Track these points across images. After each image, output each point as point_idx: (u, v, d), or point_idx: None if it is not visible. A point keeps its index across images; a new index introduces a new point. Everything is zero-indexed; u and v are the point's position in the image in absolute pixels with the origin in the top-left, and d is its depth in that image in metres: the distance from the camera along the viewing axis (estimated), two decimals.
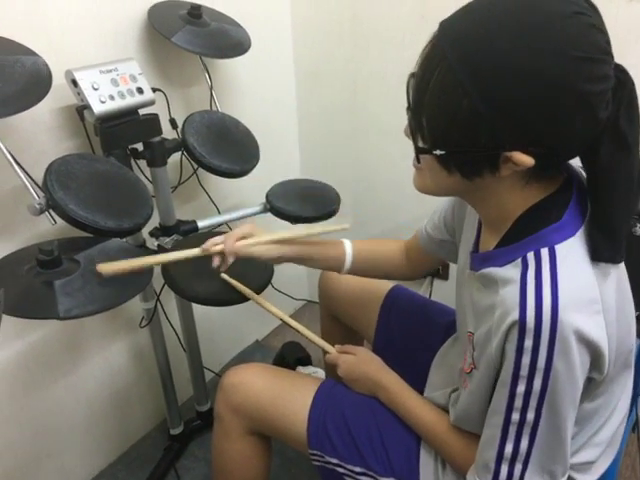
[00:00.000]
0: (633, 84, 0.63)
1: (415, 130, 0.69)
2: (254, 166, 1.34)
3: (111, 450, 1.56)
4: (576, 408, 0.68)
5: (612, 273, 0.69)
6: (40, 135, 1.15)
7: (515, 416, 0.67)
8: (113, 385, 1.49)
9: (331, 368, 1.43)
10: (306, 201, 1.40)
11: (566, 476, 0.72)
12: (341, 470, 0.95)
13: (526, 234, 0.69)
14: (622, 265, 0.74)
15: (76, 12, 1.14)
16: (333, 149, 1.83)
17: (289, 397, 1.00)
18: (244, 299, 1.10)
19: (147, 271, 0.97)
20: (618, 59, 0.63)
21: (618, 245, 0.68)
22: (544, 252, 0.66)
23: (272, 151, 1.44)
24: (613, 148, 0.64)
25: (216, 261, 0.99)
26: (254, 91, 1.63)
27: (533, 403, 0.66)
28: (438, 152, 0.66)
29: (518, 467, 0.69)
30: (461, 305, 0.89)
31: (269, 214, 1.40)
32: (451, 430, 0.86)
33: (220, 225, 1.39)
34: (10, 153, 0.97)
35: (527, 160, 0.62)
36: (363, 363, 1.00)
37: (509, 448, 0.69)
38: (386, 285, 1.25)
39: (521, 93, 0.59)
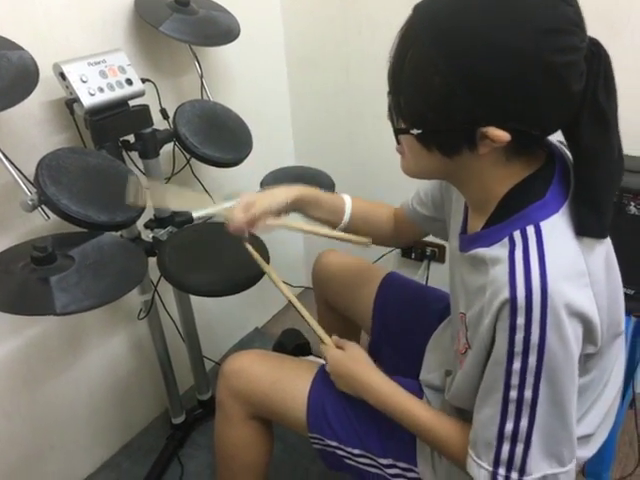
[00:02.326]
0: (608, 56, 0.64)
1: (394, 111, 0.70)
2: (247, 154, 1.33)
3: (114, 441, 1.57)
4: (576, 386, 0.68)
5: (598, 246, 0.70)
6: (30, 129, 1.14)
7: (513, 394, 0.67)
8: (114, 377, 1.50)
9: None
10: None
11: (574, 462, 0.71)
12: (340, 452, 0.96)
13: (511, 213, 0.70)
14: (608, 239, 0.74)
15: (62, 3, 1.13)
16: (327, 134, 1.82)
17: (288, 382, 1.01)
18: (240, 288, 1.09)
19: (142, 264, 0.97)
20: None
21: (604, 219, 0.68)
22: (530, 230, 0.67)
23: (266, 138, 1.43)
24: (592, 122, 0.65)
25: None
26: (245, 78, 1.61)
27: (530, 379, 0.66)
28: (415, 131, 0.67)
29: (520, 447, 0.69)
30: (454, 287, 0.89)
31: None
32: (444, 426, 0.84)
33: (213, 216, 1.39)
34: (6, 148, 0.96)
35: (503, 135, 0.62)
36: (350, 361, 0.96)
37: (509, 427, 0.69)
38: (381, 272, 1.26)
39: (489, 68, 0.60)
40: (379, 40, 1.55)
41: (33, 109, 1.13)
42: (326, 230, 1.07)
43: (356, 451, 0.95)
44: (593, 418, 0.81)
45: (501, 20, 0.59)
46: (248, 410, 1.04)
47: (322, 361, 1.68)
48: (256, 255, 1.09)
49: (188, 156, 1.35)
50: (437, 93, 0.63)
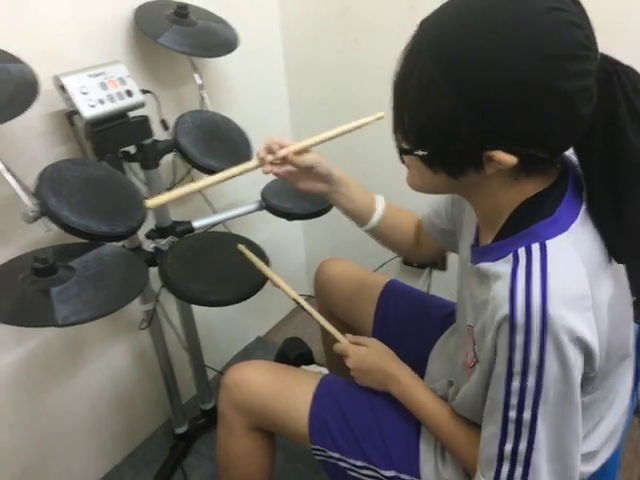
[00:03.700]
0: (629, 73, 0.62)
1: (398, 130, 0.69)
2: None
3: (117, 451, 1.57)
4: (577, 409, 0.66)
5: (607, 268, 0.69)
6: (31, 141, 1.15)
7: (512, 414, 0.67)
8: (116, 387, 1.50)
9: (335, 359, 1.44)
10: (301, 197, 1.40)
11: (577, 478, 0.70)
12: (343, 464, 0.96)
13: (519, 229, 0.69)
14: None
15: (61, 16, 1.14)
16: (327, 143, 1.82)
17: (290, 393, 1.01)
18: (243, 297, 1.09)
19: (143, 275, 0.97)
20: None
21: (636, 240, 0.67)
22: (535, 247, 0.66)
23: None
24: (607, 144, 0.64)
25: (275, 170, 0.95)
26: (244, 88, 1.62)
27: (529, 401, 0.65)
28: (420, 152, 0.66)
29: (519, 469, 0.68)
30: (462, 298, 0.89)
31: (265, 211, 1.39)
32: (459, 426, 0.85)
33: (216, 225, 1.39)
34: (1, 161, 0.97)
35: (509, 159, 0.62)
36: (375, 355, 0.98)
37: (509, 447, 0.68)
38: (382, 280, 1.25)
39: (496, 93, 0.59)
40: (376, 49, 1.56)
41: (34, 121, 1.14)
42: (338, 129, 1.03)
43: (359, 463, 0.94)
44: (598, 437, 0.81)
45: (509, 45, 0.58)
46: (250, 421, 1.04)
47: (325, 371, 1.69)
48: (255, 259, 1.09)
49: (189, 166, 1.35)
50: (442, 116, 0.62)
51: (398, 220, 1.11)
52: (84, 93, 1.09)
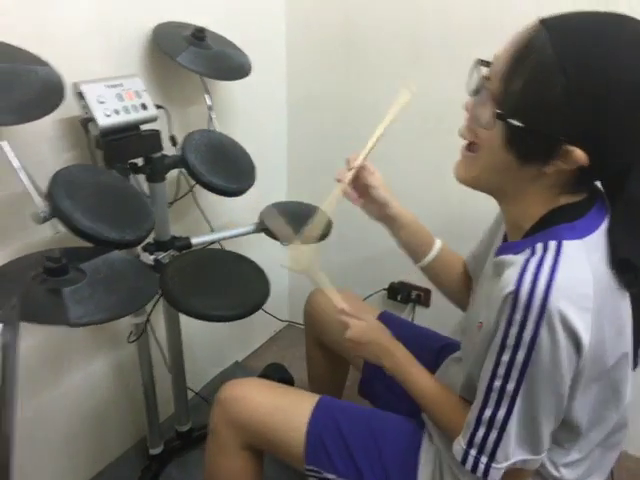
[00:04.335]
0: None
1: (497, 97, 0.71)
2: (250, 186, 1.36)
3: (87, 468, 1.52)
4: (556, 393, 0.71)
5: (614, 289, 0.73)
6: (41, 145, 1.15)
7: (497, 383, 0.72)
8: (93, 400, 1.46)
9: (318, 386, 1.45)
10: (298, 223, 1.42)
11: (545, 453, 0.76)
12: None
13: (543, 229, 0.75)
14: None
15: (84, 26, 1.16)
16: (321, 175, 1.86)
17: (287, 412, 1.01)
18: (243, 315, 1.10)
19: (152, 282, 0.98)
20: None
21: None
22: (552, 244, 0.72)
23: (261, 173, 1.47)
24: None
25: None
26: (248, 114, 1.66)
27: (514, 374, 0.70)
28: (515, 122, 0.70)
29: (494, 434, 0.74)
30: (472, 309, 0.93)
31: (262, 234, 1.42)
32: (448, 398, 0.91)
33: (213, 243, 1.40)
34: (20, 161, 0.97)
35: (582, 157, 0.67)
36: (373, 330, 1.03)
37: (487, 413, 0.74)
38: (374, 311, 1.28)
39: (620, 101, 0.65)
40: (379, 89, 1.62)
41: (45, 126, 1.14)
42: (381, 126, 1.09)
43: None
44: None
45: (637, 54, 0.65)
46: (242, 439, 1.03)
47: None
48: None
49: (192, 183, 1.37)
50: (553, 99, 0.66)
51: (449, 262, 1.14)
52: (101, 102, 1.11)
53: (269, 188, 1.83)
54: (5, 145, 0.95)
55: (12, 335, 0.67)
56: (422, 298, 1.79)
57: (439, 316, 1.57)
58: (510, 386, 0.71)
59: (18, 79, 0.93)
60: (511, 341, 0.70)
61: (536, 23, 0.70)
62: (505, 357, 0.71)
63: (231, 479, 1.05)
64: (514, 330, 0.69)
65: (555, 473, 0.83)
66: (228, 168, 1.34)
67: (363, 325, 1.03)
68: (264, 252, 1.61)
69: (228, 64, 1.35)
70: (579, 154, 0.67)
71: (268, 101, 1.76)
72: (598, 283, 0.70)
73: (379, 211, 1.07)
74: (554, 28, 0.68)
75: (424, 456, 0.95)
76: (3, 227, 1.12)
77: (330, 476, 0.96)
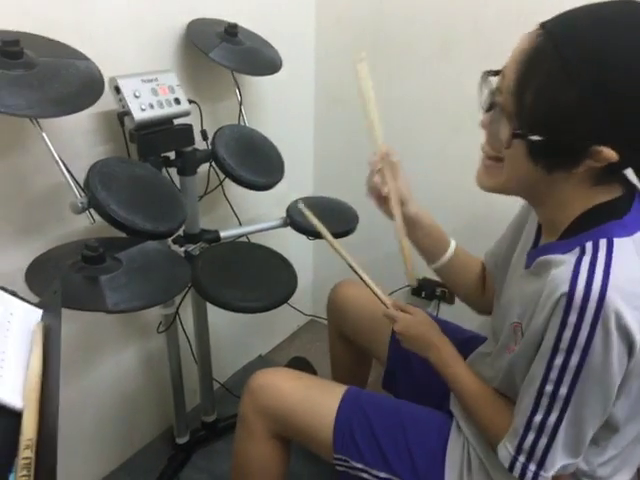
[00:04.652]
0: None
1: (513, 115, 0.71)
2: (279, 180, 1.38)
3: (115, 456, 1.55)
4: (607, 401, 0.70)
5: None
6: (77, 138, 1.18)
7: (549, 388, 0.71)
8: (122, 390, 1.50)
9: (341, 380, 1.46)
10: (326, 218, 1.43)
11: (582, 456, 0.75)
12: (366, 476, 0.97)
13: (587, 228, 0.73)
14: None
15: (120, 22, 1.18)
16: (348, 169, 1.87)
17: (316, 401, 1.03)
18: (272, 306, 1.12)
19: (186, 271, 1.00)
20: None
21: None
22: (602, 242, 0.70)
23: (288, 168, 1.49)
24: None
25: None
26: (277, 109, 1.68)
27: (568, 378, 0.69)
28: (536, 138, 0.69)
29: (544, 440, 0.73)
30: (506, 305, 0.92)
31: (288, 228, 1.43)
32: (490, 397, 0.90)
33: (241, 236, 1.42)
34: (57, 153, 1.00)
35: (612, 156, 0.66)
36: (421, 324, 1.04)
37: (538, 418, 0.73)
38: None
39: (628, 91, 0.63)
40: (407, 85, 1.63)
41: (81, 119, 1.17)
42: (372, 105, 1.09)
43: (382, 474, 0.96)
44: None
45: None
46: (271, 427, 1.05)
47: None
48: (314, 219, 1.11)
49: (222, 177, 1.39)
50: (569, 105, 0.65)
51: (464, 263, 1.15)
52: (137, 96, 1.14)
53: (296, 183, 1.85)
54: (45, 137, 0.98)
55: (55, 319, 0.69)
56: (446, 295, 1.79)
57: (463, 313, 1.56)
58: (563, 390, 0.70)
59: (60, 73, 0.95)
60: (564, 344, 0.68)
61: (538, 29, 0.69)
62: (558, 361, 0.69)
63: (258, 465, 1.07)
64: (568, 333, 0.68)
65: (589, 472, 0.83)
66: (257, 162, 1.36)
67: (410, 319, 1.04)
68: (290, 246, 1.63)
69: (259, 60, 1.36)
70: (608, 152, 0.66)
71: (297, 96, 1.77)
72: None
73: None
74: (556, 33, 0.67)
75: (452, 447, 0.95)
76: (42, 216, 1.15)
77: (358, 465, 0.97)
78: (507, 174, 0.76)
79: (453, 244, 1.11)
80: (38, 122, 0.96)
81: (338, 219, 1.43)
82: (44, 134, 0.97)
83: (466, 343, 1.16)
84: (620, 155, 0.66)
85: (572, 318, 0.67)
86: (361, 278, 1.09)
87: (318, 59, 1.78)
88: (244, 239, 1.48)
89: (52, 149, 0.99)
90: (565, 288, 0.68)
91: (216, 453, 1.61)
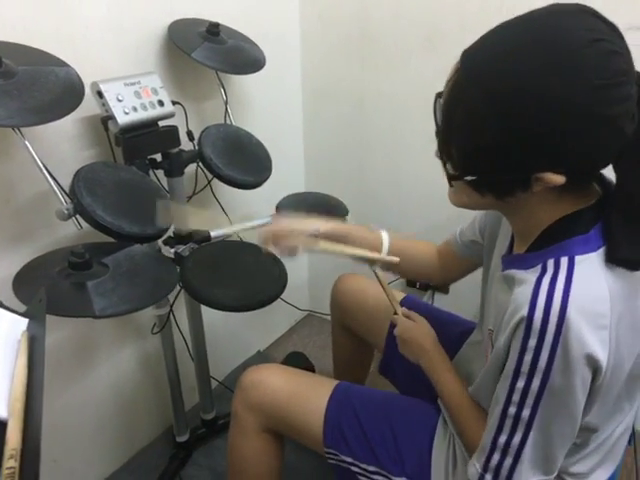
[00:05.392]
0: None
1: (445, 157, 0.72)
2: (267, 178, 1.39)
3: (116, 457, 1.57)
4: (573, 421, 0.70)
5: (629, 287, 0.70)
6: (61, 144, 1.18)
7: (512, 409, 0.71)
8: (121, 391, 1.51)
9: (341, 374, 1.47)
10: (315, 213, 1.44)
11: (556, 472, 0.75)
12: (355, 469, 0.98)
13: (551, 242, 0.72)
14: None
15: (100, 26, 1.18)
16: (338, 164, 1.88)
17: (306, 397, 1.04)
18: (265, 303, 1.12)
19: (173, 274, 1.01)
20: None
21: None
22: (563, 260, 0.69)
23: (278, 165, 1.49)
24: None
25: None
26: (263, 107, 1.68)
27: (530, 401, 0.69)
28: (469, 178, 0.70)
29: (509, 460, 0.73)
30: (487, 305, 0.93)
31: None
32: (473, 410, 0.89)
33: (231, 235, 1.43)
34: (41, 161, 1.00)
35: (558, 179, 0.65)
36: (417, 330, 1.05)
37: (502, 439, 0.73)
38: (399, 295, 1.29)
39: (544, 125, 0.62)
40: (394, 78, 1.63)
41: (65, 125, 1.17)
42: (351, 250, 1.06)
43: (371, 468, 0.97)
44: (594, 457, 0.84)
45: (554, 79, 0.60)
46: (262, 422, 1.06)
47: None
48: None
49: (209, 177, 1.39)
50: (489, 146, 0.65)
51: (411, 248, 1.15)
52: (119, 100, 1.14)
53: (287, 179, 1.85)
54: (28, 145, 0.98)
55: (39, 329, 0.70)
56: (440, 286, 1.80)
57: (458, 302, 1.58)
58: (525, 413, 0.70)
59: (39, 80, 0.96)
60: (525, 368, 0.68)
61: (458, 62, 0.68)
62: (520, 384, 0.69)
63: (251, 460, 1.08)
64: (528, 357, 0.67)
65: (566, 470, 0.83)
66: (245, 161, 1.36)
67: (410, 324, 1.06)
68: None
69: (242, 58, 1.36)
70: (551, 177, 0.65)
71: (283, 93, 1.77)
72: (615, 295, 0.67)
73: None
74: (466, 70, 0.66)
75: (438, 441, 0.96)
76: (29, 224, 1.16)
77: (347, 459, 0.98)
78: (468, 199, 0.76)
79: (385, 236, 1.11)
80: (20, 131, 0.96)
81: (325, 214, 1.43)
82: (27, 142, 0.98)
83: (462, 335, 1.17)
84: (566, 176, 0.65)
85: (532, 342, 0.66)
86: (382, 286, 1.12)
87: (304, 54, 1.78)
88: (236, 238, 1.48)
89: (35, 157, 0.99)
90: (524, 312, 0.67)
91: (217, 450, 1.62)
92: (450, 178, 0.74)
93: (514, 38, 0.64)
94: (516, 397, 0.70)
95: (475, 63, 0.66)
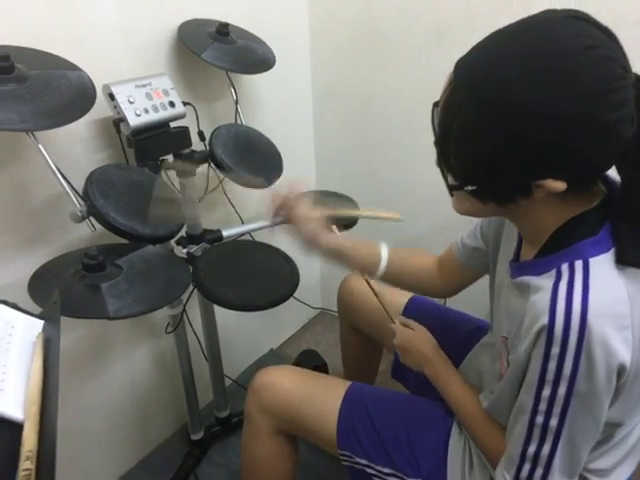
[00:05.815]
0: None
1: (445, 168, 0.72)
2: (278, 177, 1.39)
3: (132, 455, 1.59)
4: (597, 423, 0.69)
5: None
6: (75, 146, 1.19)
7: (539, 419, 0.70)
8: (136, 390, 1.53)
9: (352, 373, 1.47)
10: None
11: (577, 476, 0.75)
12: (370, 471, 0.98)
13: (562, 246, 0.71)
14: None
15: (110, 28, 1.19)
16: (348, 163, 1.88)
17: (319, 399, 1.04)
18: (277, 302, 1.13)
19: (186, 274, 1.01)
20: None
21: None
22: (578, 264, 0.68)
23: (289, 164, 1.49)
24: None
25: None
26: (274, 106, 1.68)
27: (557, 410, 0.68)
28: (469, 188, 0.70)
29: (539, 470, 0.72)
30: (497, 311, 0.92)
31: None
32: (484, 415, 0.89)
33: (243, 234, 1.43)
34: (54, 163, 1.01)
35: (559, 185, 0.64)
36: (418, 338, 1.05)
37: (532, 449, 0.72)
38: (406, 295, 1.28)
39: (541, 135, 0.61)
40: (403, 75, 1.62)
41: (78, 127, 1.18)
42: (354, 211, 1.06)
43: (386, 470, 0.96)
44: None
45: (549, 88, 0.60)
46: (276, 425, 1.06)
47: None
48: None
49: (221, 177, 1.40)
50: (488, 156, 0.65)
51: (409, 269, 1.13)
52: (131, 102, 1.15)
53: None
54: (42, 148, 0.99)
55: (54, 331, 0.71)
56: None
57: (466, 302, 1.56)
58: (553, 422, 0.69)
59: (51, 84, 0.96)
60: (550, 376, 0.67)
61: (452, 73, 0.68)
62: (546, 392, 0.68)
63: (265, 463, 1.09)
64: (552, 365, 0.66)
65: (587, 467, 0.81)
66: (256, 160, 1.37)
67: (409, 333, 1.06)
68: (288, 243, 1.64)
69: (252, 58, 1.37)
70: (552, 183, 0.64)
71: (293, 92, 1.77)
72: (633, 294, 0.66)
73: None
74: (460, 82, 0.66)
75: (454, 443, 0.96)
76: (44, 226, 1.17)
77: (362, 461, 0.98)
78: (471, 207, 0.75)
79: (385, 248, 1.09)
80: (34, 134, 0.97)
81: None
82: (40, 146, 0.99)
83: (471, 334, 1.16)
84: (567, 182, 0.64)
85: (555, 350, 0.65)
86: (374, 293, 1.13)
87: (313, 53, 1.77)
88: (248, 237, 1.49)
89: (49, 160, 1.00)
90: (545, 320, 0.66)
91: (231, 447, 1.63)
92: (451, 189, 0.74)
93: (506, 48, 0.64)
94: (543, 406, 0.69)
95: (469, 73, 0.66)
